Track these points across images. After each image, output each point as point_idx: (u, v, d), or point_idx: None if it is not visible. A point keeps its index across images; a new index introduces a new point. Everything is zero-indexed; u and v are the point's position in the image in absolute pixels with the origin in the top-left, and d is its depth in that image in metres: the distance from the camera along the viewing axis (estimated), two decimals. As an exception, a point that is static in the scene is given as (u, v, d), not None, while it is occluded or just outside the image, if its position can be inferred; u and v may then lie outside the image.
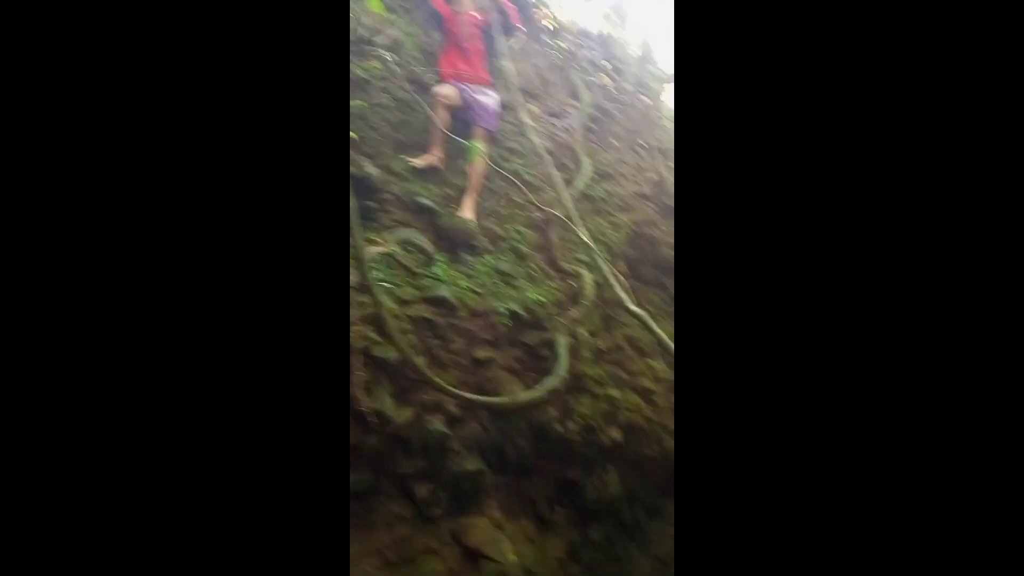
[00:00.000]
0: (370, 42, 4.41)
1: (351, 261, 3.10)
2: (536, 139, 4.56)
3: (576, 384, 4.58)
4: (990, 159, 1.35)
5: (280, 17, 1.49)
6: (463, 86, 4.50)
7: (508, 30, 4.86)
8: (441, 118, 4.24)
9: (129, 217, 1.39)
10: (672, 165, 5.88)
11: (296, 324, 1.47)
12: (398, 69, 4.38)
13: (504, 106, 4.71)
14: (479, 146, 4.08)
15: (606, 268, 4.08)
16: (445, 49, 4.71)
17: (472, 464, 3.87)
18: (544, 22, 5.96)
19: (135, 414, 1.37)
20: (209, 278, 1.43)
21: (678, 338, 1.59)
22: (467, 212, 4.35)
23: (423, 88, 4.50)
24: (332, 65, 1.56)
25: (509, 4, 4.84)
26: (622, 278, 4.14)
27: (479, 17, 4.74)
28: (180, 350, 1.40)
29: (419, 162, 4.22)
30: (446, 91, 4.41)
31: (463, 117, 4.51)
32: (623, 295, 3.96)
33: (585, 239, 4.11)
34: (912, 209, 1.38)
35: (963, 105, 1.37)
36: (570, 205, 4.42)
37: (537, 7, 5.80)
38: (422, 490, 3.72)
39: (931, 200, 1.38)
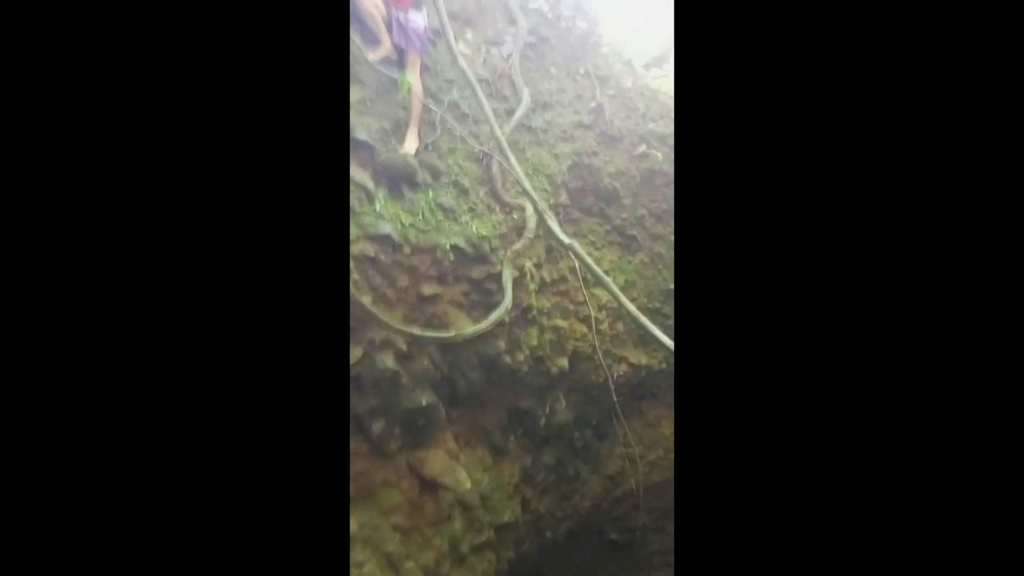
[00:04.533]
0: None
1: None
2: (470, 70, 4.41)
3: (523, 316, 4.64)
4: (988, 159, 1.34)
5: (280, 12, 1.52)
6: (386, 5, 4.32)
7: None
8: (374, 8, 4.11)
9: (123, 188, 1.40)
10: (612, 94, 5.84)
11: (297, 304, 1.52)
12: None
13: (430, 29, 4.54)
14: (415, 76, 3.94)
15: (541, 203, 4.07)
16: None
17: (425, 398, 3.92)
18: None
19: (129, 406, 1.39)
20: (210, 271, 1.46)
21: (678, 332, 1.61)
22: (409, 145, 4.24)
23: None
24: (332, 58, 1.62)
25: None
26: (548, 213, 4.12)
27: None
28: (180, 333, 1.43)
29: (372, 55, 4.05)
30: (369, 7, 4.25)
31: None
32: (555, 228, 3.99)
33: (519, 175, 4.07)
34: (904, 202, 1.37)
35: (962, 101, 1.35)
36: (504, 140, 4.35)
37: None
38: (377, 426, 3.75)
39: (927, 196, 1.36)
